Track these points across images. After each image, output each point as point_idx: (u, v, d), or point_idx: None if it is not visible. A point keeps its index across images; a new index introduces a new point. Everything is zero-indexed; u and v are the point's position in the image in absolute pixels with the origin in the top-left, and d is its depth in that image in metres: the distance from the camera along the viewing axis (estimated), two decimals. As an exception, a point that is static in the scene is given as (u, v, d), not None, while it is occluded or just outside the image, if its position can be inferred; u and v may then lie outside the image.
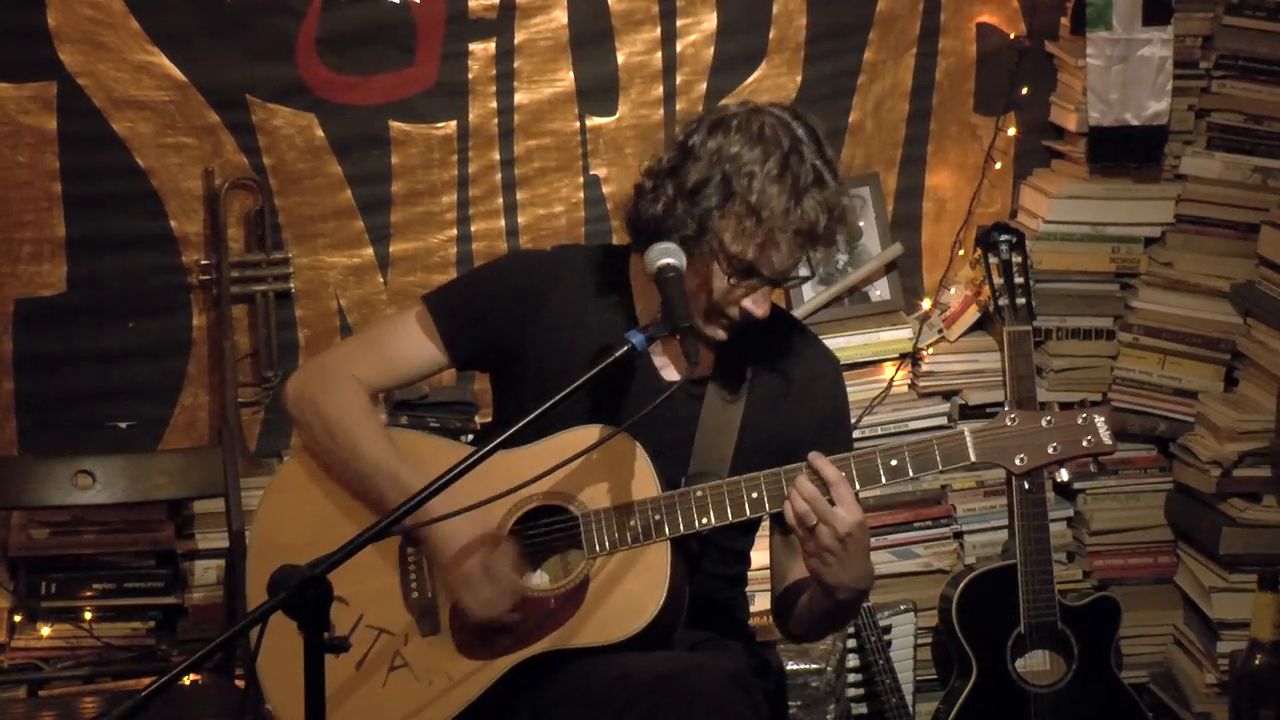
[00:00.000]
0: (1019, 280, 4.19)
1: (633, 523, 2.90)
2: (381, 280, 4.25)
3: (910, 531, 4.41)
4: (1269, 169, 4.42)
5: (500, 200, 4.28)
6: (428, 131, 4.21)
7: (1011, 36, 4.47)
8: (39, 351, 4.12)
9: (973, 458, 2.89)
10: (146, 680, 3.80)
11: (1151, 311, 4.46)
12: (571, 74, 4.25)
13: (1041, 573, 4.10)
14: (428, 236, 4.26)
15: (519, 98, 4.24)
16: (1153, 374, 4.46)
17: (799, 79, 4.37)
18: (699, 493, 2.90)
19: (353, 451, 2.99)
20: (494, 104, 4.23)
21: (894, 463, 2.88)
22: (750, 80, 4.35)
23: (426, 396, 4.13)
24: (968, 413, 4.41)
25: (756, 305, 2.92)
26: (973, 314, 4.43)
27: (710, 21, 4.30)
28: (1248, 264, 4.42)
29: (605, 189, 4.30)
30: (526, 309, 3.04)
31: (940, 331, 4.47)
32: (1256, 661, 4.03)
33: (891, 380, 4.40)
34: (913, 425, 4.38)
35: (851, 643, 4.25)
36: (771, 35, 4.34)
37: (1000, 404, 4.30)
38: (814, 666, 4.12)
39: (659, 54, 4.30)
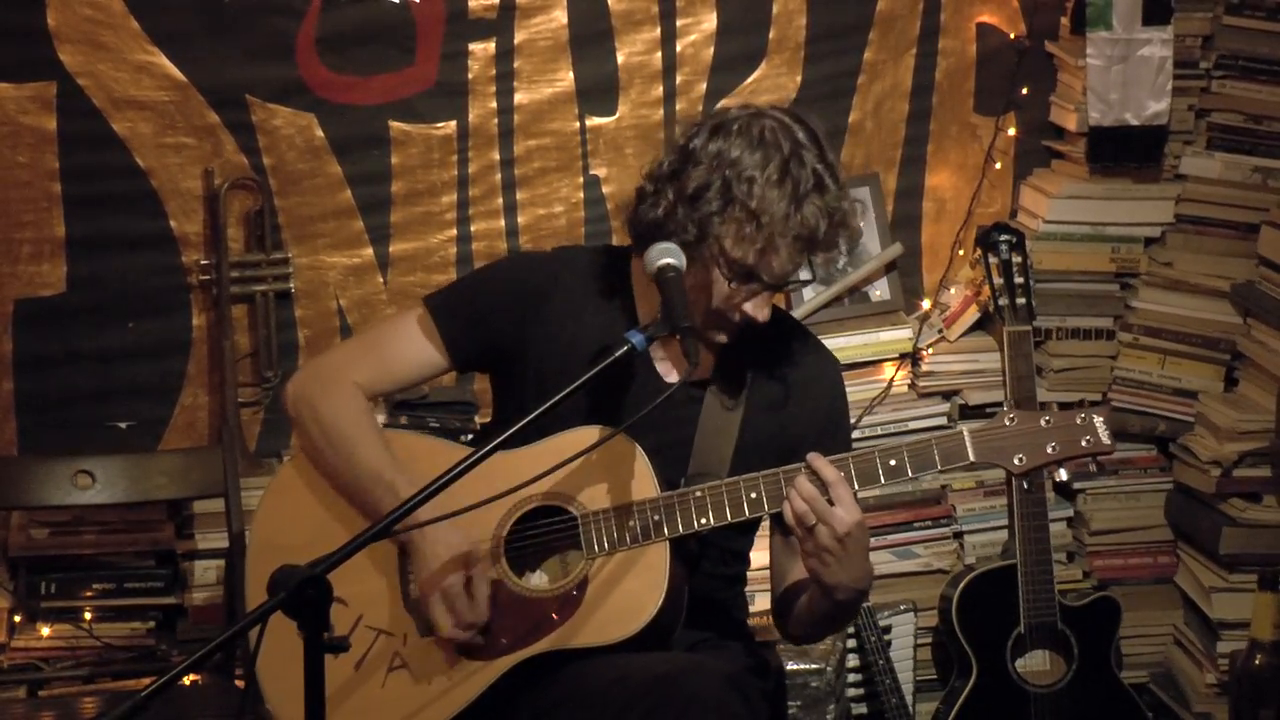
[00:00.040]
0: (1019, 280, 4.19)
1: (632, 523, 2.90)
2: (381, 280, 4.25)
3: (910, 531, 4.41)
4: (1269, 169, 4.42)
5: (500, 200, 4.28)
6: (428, 131, 4.21)
7: (1011, 36, 4.47)
8: (39, 351, 4.12)
9: (971, 458, 2.89)
10: (146, 680, 3.80)
11: (1151, 311, 4.46)
12: (571, 74, 4.25)
13: (1041, 573, 4.10)
14: (428, 236, 4.26)
15: (519, 98, 4.24)
16: (1153, 374, 4.46)
17: (799, 79, 4.37)
18: (698, 493, 2.90)
19: (349, 458, 2.99)
20: (494, 104, 4.23)
21: (892, 463, 2.88)
22: (750, 80, 4.35)
23: (426, 397, 4.13)
24: (968, 413, 4.41)
25: (757, 309, 2.92)
26: (973, 314, 4.43)
27: (710, 21, 4.30)
28: (1248, 264, 4.42)
29: (605, 189, 4.30)
30: (527, 310, 3.04)
31: (940, 331, 4.47)
32: (1256, 661, 4.03)
33: (891, 380, 4.40)
34: (912, 425, 4.37)
35: (851, 643, 4.25)
36: (771, 35, 4.34)
37: (1000, 404, 4.30)
38: (814, 666, 4.12)
39: (659, 54, 4.29)
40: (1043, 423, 2.89)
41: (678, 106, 4.31)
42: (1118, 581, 4.47)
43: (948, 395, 4.45)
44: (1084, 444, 2.90)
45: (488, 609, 2.90)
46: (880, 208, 4.44)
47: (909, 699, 4.27)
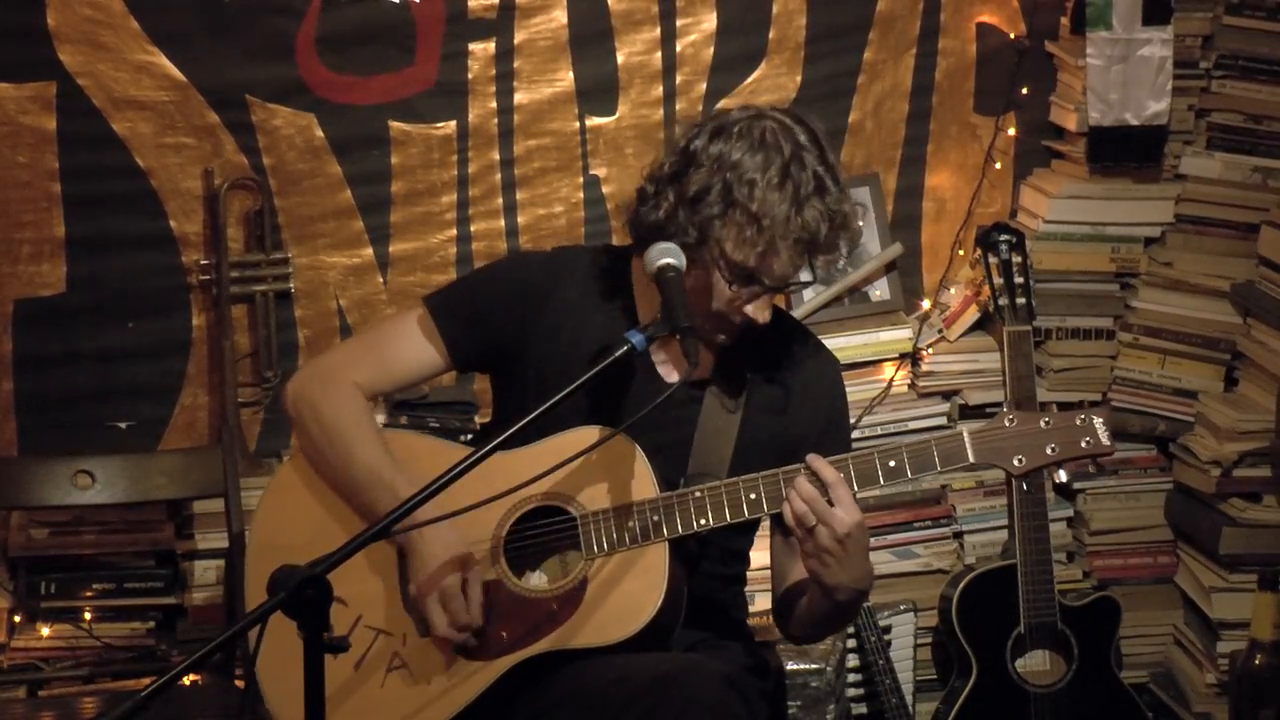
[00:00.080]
0: (1019, 280, 4.19)
1: (631, 524, 2.90)
2: (381, 280, 4.25)
3: (910, 531, 4.41)
4: (1269, 169, 4.42)
5: (500, 200, 4.28)
6: (427, 131, 4.21)
7: (1011, 36, 4.47)
8: (39, 351, 4.12)
9: (971, 459, 2.89)
10: (146, 680, 3.81)
11: (1151, 311, 4.46)
12: (571, 74, 4.25)
13: (1041, 573, 4.10)
14: (427, 236, 4.26)
15: (519, 98, 4.24)
16: (1153, 374, 4.46)
17: (799, 79, 4.37)
18: (697, 494, 2.90)
19: (348, 457, 2.99)
20: (494, 104, 4.23)
21: (892, 464, 2.88)
22: (750, 80, 4.35)
23: (426, 396, 4.13)
24: (967, 413, 4.41)
25: (758, 311, 2.92)
26: (973, 314, 4.43)
27: (710, 21, 4.30)
28: (1248, 264, 4.42)
29: (605, 189, 4.30)
30: (527, 310, 3.04)
31: (940, 331, 4.47)
32: (1256, 661, 4.03)
33: (891, 380, 4.40)
34: (912, 425, 4.37)
35: (851, 643, 4.25)
36: (771, 35, 4.34)
37: (1000, 404, 4.30)
38: (814, 666, 4.12)
39: (659, 54, 4.29)
40: (1042, 424, 2.89)
41: (678, 106, 4.31)
42: (1118, 581, 4.47)
43: (948, 395, 4.45)
44: (1084, 445, 2.90)
45: (482, 612, 2.90)
46: (880, 208, 4.44)
47: (909, 699, 4.27)
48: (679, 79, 4.31)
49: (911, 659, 4.32)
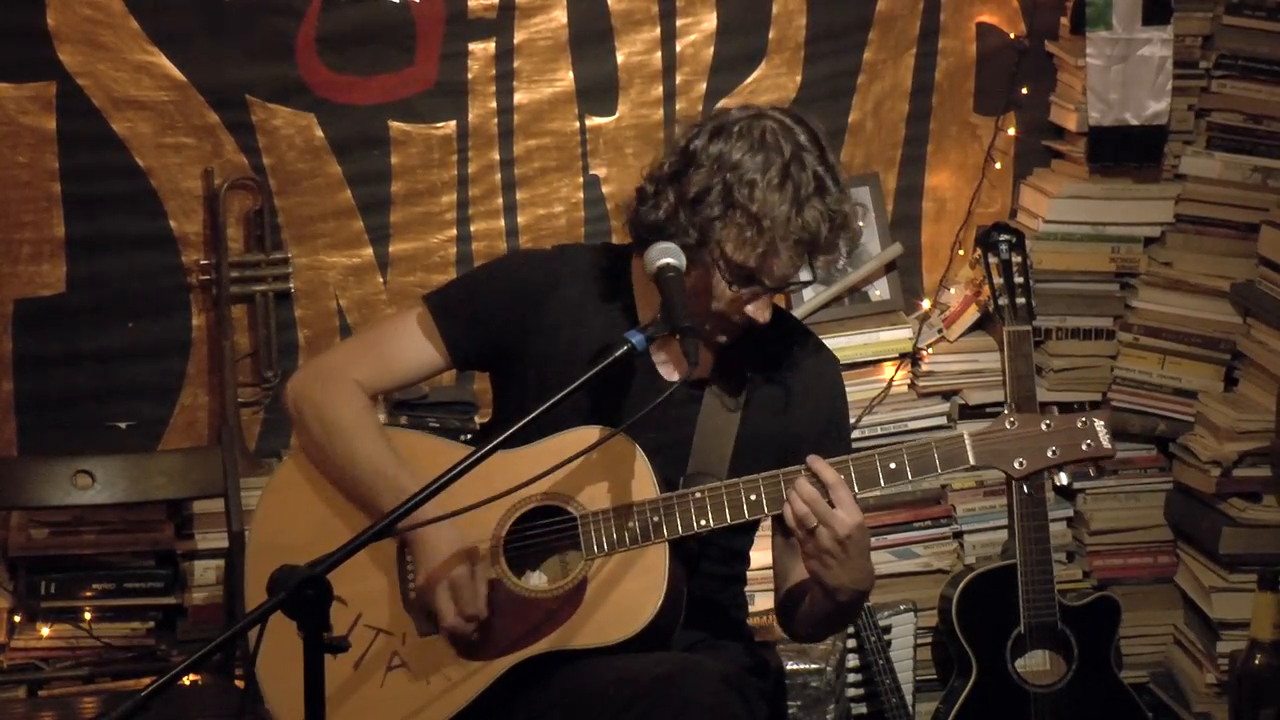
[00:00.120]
0: (1019, 280, 4.19)
1: (631, 524, 2.90)
2: (381, 280, 4.25)
3: (910, 531, 4.41)
4: (1269, 169, 4.42)
5: (500, 200, 4.28)
6: (427, 131, 4.21)
7: (1011, 36, 4.47)
8: (39, 351, 4.12)
9: (971, 461, 2.89)
10: (146, 680, 3.81)
11: (1151, 311, 4.46)
12: (571, 74, 4.25)
13: (1041, 573, 4.10)
14: (427, 236, 4.26)
15: (519, 98, 4.24)
16: (1153, 374, 4.46)
17: (799, 79, 4.37)
18: (698, 494, 2.90)
19: (350, 455, 2.99)
20: (494, 104, 4.23)
21: (892, 466, 2.88)
22: (750, 80, 4.35)
23: (426, 396, 4.13)
24: (967, 413, 4.41)
25: (759, 312, 2.92)
26: (972, 314, 4.43)
27: (710, 21, 4.30)
28: (1248, 264, 4.42)
29: (605, 189, 4.30)
30: (528, 308, 3.04)
31: (940, 331, 4.47)
32: (1256, 661, 4.02)
33: (891, 380, 4.40)
34: (912, 425, 4.38)
35: (851, 643, 4.25)
36: (771, 35, 4.34)
37: (1000, 404, 4.30)
38: (814, 666, 4.12)
39: (659, 54, 4.29)
40: (1043, 426, 2.89)
41: (678, 106, 4.31)
42: (1118, 581, 4.47)
43: (947, 395, 4.45)
44: (1084, 448, 2.90)
45: (487, 605, 2.90)
46: (880, 208, 4.44)
47: (909, 699, 4.27)
48: (679, 79, 4.31)
49: (911, 659, 4.32)
